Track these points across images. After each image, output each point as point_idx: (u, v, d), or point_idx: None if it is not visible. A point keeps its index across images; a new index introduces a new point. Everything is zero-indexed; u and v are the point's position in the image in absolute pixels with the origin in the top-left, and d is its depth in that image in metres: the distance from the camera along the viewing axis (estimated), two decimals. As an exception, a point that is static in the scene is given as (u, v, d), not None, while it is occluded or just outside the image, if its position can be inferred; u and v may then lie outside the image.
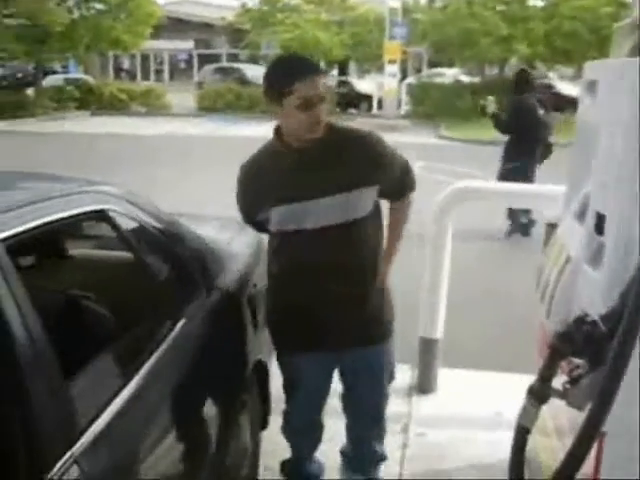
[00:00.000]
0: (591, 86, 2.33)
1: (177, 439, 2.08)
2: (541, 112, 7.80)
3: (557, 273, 2.35)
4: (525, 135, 7.55)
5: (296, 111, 2.24)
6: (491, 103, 8.01)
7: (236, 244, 3.19)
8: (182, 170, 12.80)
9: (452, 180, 4.12)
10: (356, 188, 2.39)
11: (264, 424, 3.15)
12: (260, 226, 2.66)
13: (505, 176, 7.35)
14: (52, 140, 18.00)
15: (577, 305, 2.14)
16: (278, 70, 2.35)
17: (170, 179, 11.52)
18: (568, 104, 17.74)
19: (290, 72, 2.26)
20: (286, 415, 2.88)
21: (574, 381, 2.00)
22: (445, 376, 4.10)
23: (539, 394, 2.00)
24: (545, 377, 2.00)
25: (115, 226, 2.17)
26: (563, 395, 2.01)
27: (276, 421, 3.20)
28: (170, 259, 2.44)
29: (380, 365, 2.74)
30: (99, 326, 2.01)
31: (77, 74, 31.75)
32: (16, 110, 22.48)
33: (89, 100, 26.26)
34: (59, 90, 25.80)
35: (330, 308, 2.52)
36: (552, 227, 2.71)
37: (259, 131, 19.93)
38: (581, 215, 2.35)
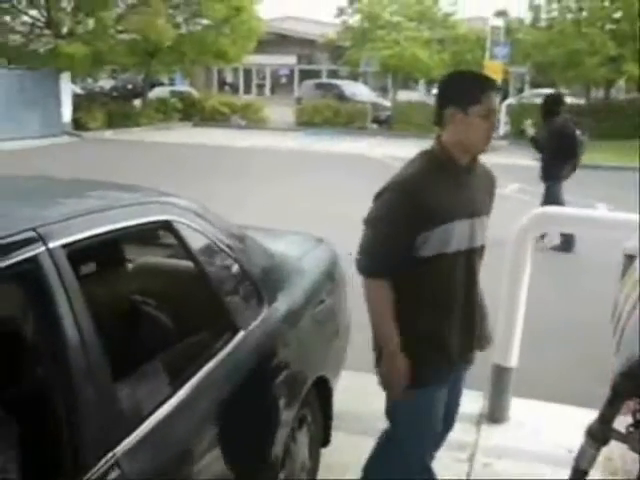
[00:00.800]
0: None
1: (225, 450, 2.09)
2: (577, 132, 8.17)
3: (630, 308, 2.24)
4: (563, 155, 7.97)
5: (480, 120, 2.36)
6: (529, 126, 8.46)
7: (307, 260, 3.21)
8: (269, 181, 13.01)
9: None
10: (489, 213, 2.57)
11: (325, 441, 3.13)
12: (403, 252, 2.38)
13: (550, 195, 7.94)
14: (152, 149, 18.71)
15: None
16: (471, 79, 2.49)
17: (255, 190, 11.70)
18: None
19: (483, 83, 2.43)
20: (399, 456, 2.63)
21: (638, 424, 1.90)
22: (518, 406, 3.97)
23: (598, 435, 1.91)
24: (606, 418, 1.91)
25: (179, 237, 2.22)
26: (624, 439, 1.91)
27: (336, 437, 3.20)
28: (233, 272, 2.48)
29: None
30: (156, 332, 2.06)
31: (183, 87, 32.90)
32: (124, 120, 23.51)
33: (192, 112, 27.17)
34: (164, 102, 26.79)
35: (462, 334, 2.53)
36: (630, 259, 2.58)
37: (355, 147, 20.23)
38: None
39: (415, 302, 2.43)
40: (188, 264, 2.30)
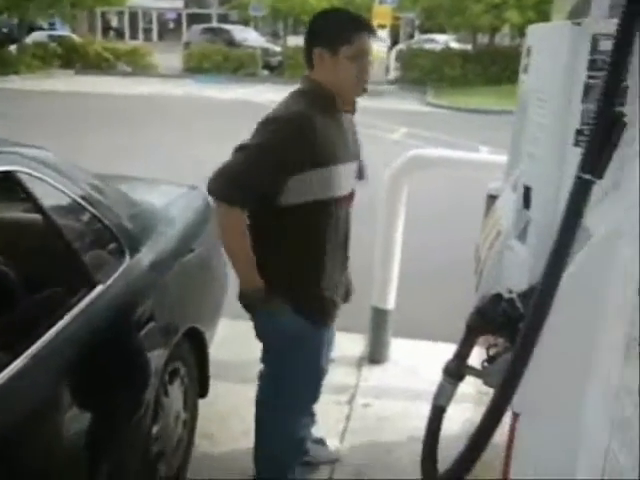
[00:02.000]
0: (528, 52, 2.23)
1: (87, 409, 2.00)
2: None
3: (488, 247, 2.28)
4: None
5: (348, 62, 2.27)
6: None
7: (176, 209, 3.11)
8: (153, 129, 12.64)
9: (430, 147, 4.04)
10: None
11: (203, 392, 3.09)
12: (268, 197, 2.24)
13: None
14: (34, 98, 17.73)
15: (503, 281, 2.07)
16: (339, 19, 2.35)
17: (138, 139, 11.34)
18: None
19: (353, 23, 2.31)
20: (291, 401, 2.58)
21: (491, 360, 1.95)
22: (397, 347, 4.06)
23: (454, 372, 1.95)
24: (462, 355, 1.94)
25: (25, 188, 2.07)
26: (479, 374, 1.96)
27: (216, 387, 3.18)
28: (89, 225, 2.35)
29: None
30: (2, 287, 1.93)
31: (64, 32, 31.17)
32: (1, 67, 22.11)
33: (74, 58, 25.83)
34: (42, 47, 25.33)
35: (344, 277, 2.55)
36: (492, 199, 2.63)
37: (243, 93, 19.89)
38: (515, 187, 2.27)
39: (291, 248, 2.34)
40: (36, 217, 2.16)
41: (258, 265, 2.29)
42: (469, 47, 27.68)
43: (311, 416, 2.87)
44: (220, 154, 2.41)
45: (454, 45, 28.57)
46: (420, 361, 3.97)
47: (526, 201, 2.04)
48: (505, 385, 1.67)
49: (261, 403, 2.62)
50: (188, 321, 2.79)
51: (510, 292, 1.91)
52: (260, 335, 2.50)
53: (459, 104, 18.88)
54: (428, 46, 27.80)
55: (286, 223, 2.31)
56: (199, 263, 3.00)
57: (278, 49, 27.86)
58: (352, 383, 3.73)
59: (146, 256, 2.54)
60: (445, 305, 4.85)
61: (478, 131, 13.33)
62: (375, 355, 3.99)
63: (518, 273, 2.00)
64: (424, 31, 34.99)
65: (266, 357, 2.55)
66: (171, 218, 2.93)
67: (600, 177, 1.42)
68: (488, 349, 1.96)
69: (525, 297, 1.82)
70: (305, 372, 2.54)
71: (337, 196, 2.33)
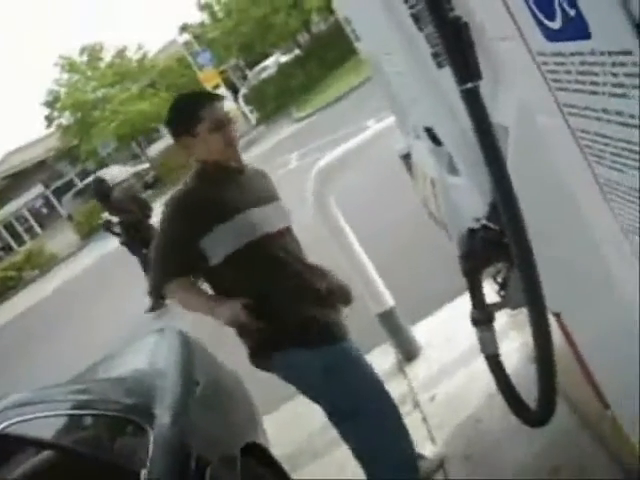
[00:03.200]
0: (347, 22, 2.28)
1: None
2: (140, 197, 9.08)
3: (434, 198, 2.30)
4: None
5: (209, 135, 2.39)
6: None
7: (159, 358, 3.04)
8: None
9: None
10: (279, 199, 2.64)
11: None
12: (198, 262, 2.45)
13: None
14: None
15: (465, 217, 2.08)
16: (184, 105, 2.52)
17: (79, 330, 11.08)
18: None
19: (196, 101, 2.45)
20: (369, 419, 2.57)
21: (504, 285, 1.95)
22: (419, 332, 4.05)
23: (483, 318, 1.94)
24: (478, 300, 1.94)
25: (21, 438, 2.01)
26: (503, 304, 1.96)
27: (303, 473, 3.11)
28: (97, 425, 2.29)
29: None
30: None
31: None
32: None
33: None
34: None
35: (325, 287, 2.58)
36: (406, 157, 2.66)
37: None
38: (418, 135, 2.30)
39: (251, 293, 2.43)
40: (48, 455, 2.09)
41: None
42: (297, 52, 28.22)
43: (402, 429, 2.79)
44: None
45: (284, 59, 29.10)
46: (448, 329, 3.95)
47: (435, 140, 2.06)
48: (531, 294, 1.66)
49: (349, 439, 2.60)
50: (237, 442, 2.71)
51: (478, 220, 1.92)
52: (294, 382, 2.56)
53: (321, 103, 19.20)
54: (264, 75, 28.25)
55: (231, 276, 2.45)
56: (211, 388, 2.93)
57: (146, 165, 27.93)
58: (406, 389, 3.69)
59: (164, 417, 2.47)
60: (429, 270, 4.89)
61: (354, 113, 13.52)
62: (407, 353, 3.95)
63: (471, 202, 2.01)
64: (252, 65, 35.52)
65: (314, 396, 2.56)
66: (162, 370, 2.87)
67: (479, 78, 1.44)
68: (495, 279, 1.96)
69: (492, 216, 1.83)
70: (355, 388, 2.53)
71: (259, 236, 2.42)
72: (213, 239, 2.39)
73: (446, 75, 1.68)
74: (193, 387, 2.80)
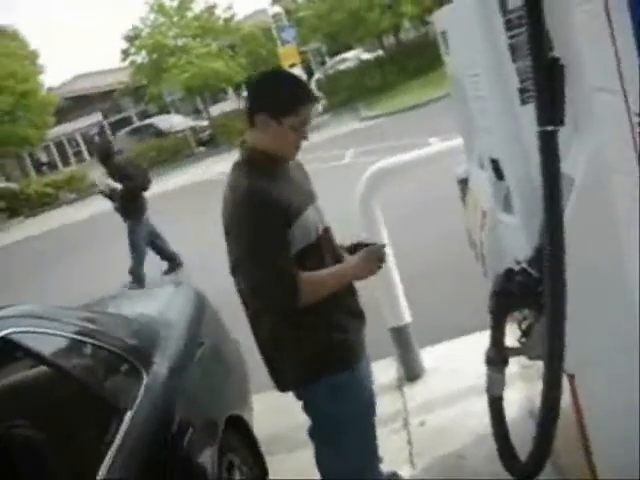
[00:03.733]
0: (443, 36, 2.26)
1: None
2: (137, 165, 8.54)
3: (480, 230, 2.28)
4: (134, 193, 8.01)
5: (290, 131, 2.30)
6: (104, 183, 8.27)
7: (172, 310, 3.07)
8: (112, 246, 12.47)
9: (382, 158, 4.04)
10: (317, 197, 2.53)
11: (263, 473, 3.03)
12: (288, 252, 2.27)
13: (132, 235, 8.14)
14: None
15: (507, 256, 2.06)
16: (290, 88, 2.36)
17: (105, 260, 11.18)
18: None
19: (303, 94, 2.35)
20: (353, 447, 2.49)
21: (526, 333, 1.93)
22: (428, 356, 4.01)
23: (498, 359, 1.92)
24: (497, 340, 1.92)
25: (22, 348, 2.04)
26: (520, 351, 1.94)
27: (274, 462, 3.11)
28: (96, 358, 2.32)
29: None
30: (37, 453, 1.88)
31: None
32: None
33: (18, 205, 25.81)
34: (-17, 207, 25.32)
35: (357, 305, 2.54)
36: (464, 182, 2.63)
37: (188, 177, 19.86)
38: (482, 164, 2.28)
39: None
40: (43, 370, 2.12)
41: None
42: (380, 52, 28.14)
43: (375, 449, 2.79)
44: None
45: (366, 56, 29.04)
46: (455, 361, 3.91)
47: (498, 173, 2.04)
48: (552, 351, 1.65)
49: (321, 459, 2.55)
50: (224, 411, 2.74)
51: (519, 263, 1.90)
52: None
53: (391, 108, 19.14)
54: (342, 67, 28.23)
55: None
56: (213, 353, 2.96)
57: (205, 123, 28.12)
58: (400, 407, 3.67)
59: (161, 367, 2.50)
60: (454, 299, 4.85)
61: (420, 126, 13.45)
62: (411, 372, 3.93)
63: (517, 242, 2.00)
64: (333, 54, 35.52)
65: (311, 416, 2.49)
66: (170, 321, 2.89)
67: (561, 124, 1.42)
68: (520, 325, 1.94)
69: (535, 262, 1.81)
70: (351, 417, 2.47)
71: (316, 238, 2.35)
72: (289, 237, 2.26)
73: (528, 112, 1.67)
74: (196, 347, 2.82)
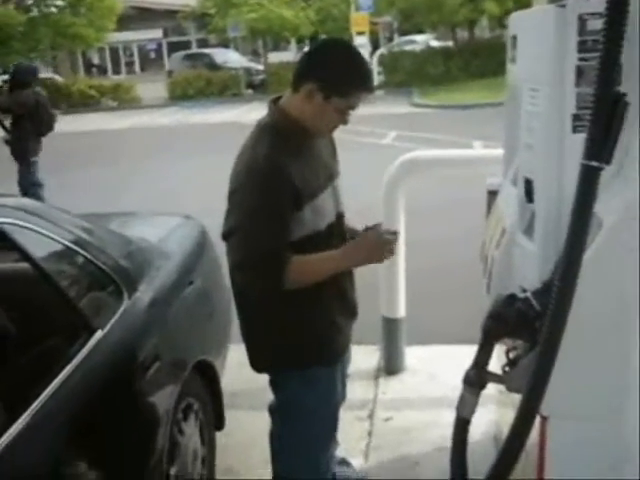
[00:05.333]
0: (513, 41, 2.16)
1: (99, 461, 1.93)
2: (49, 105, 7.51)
3: (495, 246, 2.20)
4: (36, 131, 7.30)
5: (335, 111, 2.15)
6: None
7: (172, 241, 3.03)
8: (139, 161, 12.52)
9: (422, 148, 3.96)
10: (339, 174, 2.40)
11: (219, 424, 3.00)
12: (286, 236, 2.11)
13: (24, 176, 7.30)
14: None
15: (515, 280, 1.99)
16: (348, 70, 2.15)
17: (133, 173, 11.26)
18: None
19: (358, 80, 2.18)
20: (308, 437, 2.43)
21: (512, 363, 1.86)
22: (412, 355, 3.97)
23: (476, 381, 1.86)
24: (481, 362, 1.86)
25: (11, 240, 2.00)
26: (501, 379, 1.88)
27: (234, 416, 3.09)
28: (82, 269, 2.28)
29: None
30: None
31: (45, 74, 31.19)
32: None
33: (59, 99, 25.81)
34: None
35: (354, 302, 2.45)
36: (493, 195, 2.55)
37: (230, 115, 19.83)
38: (515, 181, 2.20)
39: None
40: (26, 267, 2.09)
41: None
42: (450, 43, 27.69)
43: (334, 438, 2.77)
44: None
45: (434, 43, 28.59)
46: (437, 367, 3.88)
47: (528, 194, 1.96)
48: (533, 389, 1.60)
49: (277, 437, 2.51)
50: (195, 355, 2.71)
51: (524, 291, 1.83)
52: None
53: (446, 101, 18.87)
54: (408, 47, 27.81)
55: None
56: (200, 295, 2.91)
57: (260, 67, 27.91)
58: (370, 397, 3.64)
59: (145, 294, 2.46)
60: (455, 305, 4.77)
61: (468, 127, 13.26)
62: (391, 366, 3.89)
63: (529, 270, 1.92)
64: (403, 33, 34.97)
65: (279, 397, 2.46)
66: (167, 252, 2.86)
67: (608, 162, 1.35)
68: (508, 353, 1.88)
69: (540, 295, 1.74)
70: (320, 410, 2.42)
71: (328, 223, 2.23)
72: (296, 219, 2.12)
73: (576, 141, 1.58)
74: (185, 284, 2.78)
